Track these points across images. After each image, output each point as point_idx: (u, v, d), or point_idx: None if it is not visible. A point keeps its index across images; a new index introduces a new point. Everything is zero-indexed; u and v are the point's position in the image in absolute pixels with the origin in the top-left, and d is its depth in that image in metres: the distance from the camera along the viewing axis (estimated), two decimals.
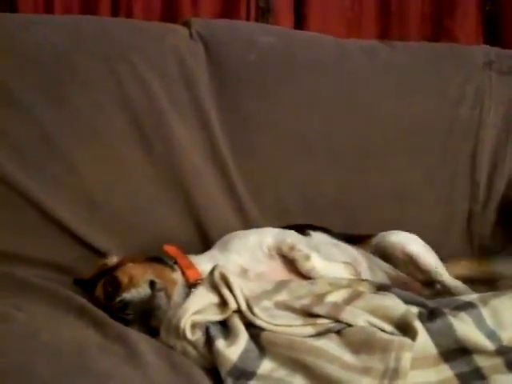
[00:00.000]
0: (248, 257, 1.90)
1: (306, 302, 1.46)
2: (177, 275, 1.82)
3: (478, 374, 1.29)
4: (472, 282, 2.05)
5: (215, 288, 1.44)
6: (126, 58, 2.25)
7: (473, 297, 1.54)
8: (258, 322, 1.37)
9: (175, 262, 1.87)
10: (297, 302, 1.47)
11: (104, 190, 2.19)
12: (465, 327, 1.34)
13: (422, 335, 1.32)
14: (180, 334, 1.36)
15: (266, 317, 1.38)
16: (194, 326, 1.37)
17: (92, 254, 2.11)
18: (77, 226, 2.12)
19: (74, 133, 2.16)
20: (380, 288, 1.63)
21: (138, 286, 1.66)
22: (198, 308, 1.39)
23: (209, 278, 1.48)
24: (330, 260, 1.89)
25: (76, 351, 1.25)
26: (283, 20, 2.91)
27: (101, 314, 1.47)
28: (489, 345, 1.31)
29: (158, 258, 1.88)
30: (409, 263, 2.11)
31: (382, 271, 2.12)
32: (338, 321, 1.38)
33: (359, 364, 1.25)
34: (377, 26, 3.12)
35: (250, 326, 1.38)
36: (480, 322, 1.38)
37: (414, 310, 1.42)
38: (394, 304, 1.44)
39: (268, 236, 1.94)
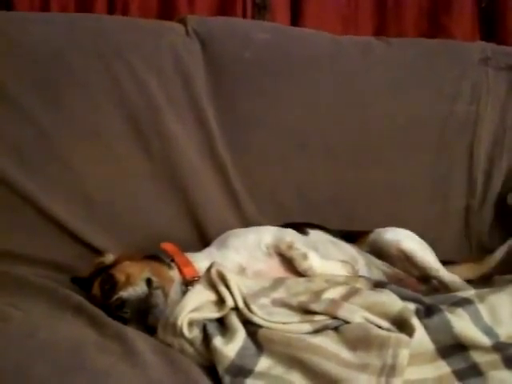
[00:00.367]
0: (246, 255, 1.90)
1: (303, 299, 1.46)
2: (174, 273, 1.82)
3: (475, 370, 1.29)
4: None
5: (212, 285, 1.45)
6: (123, 56, 2.25)
7: (470, 293, 1.54)
8: (256, 320, 1.37)
9: (172, 260, 1.87)
10: (294, 299, 1.48)
11: (101, 189, 2.19)
12: (462, 323, 1.34)
13: (419, 331, 1.32)
14: (177, 332, 1.36)
15: (264, 314, 1.38)
16: (191, 323, 1.37)
17: (89, 252, 2.11)
18: (74, 224, 2.12)
19: (71, 132, 2.16)
20: (377, 285, 1.64)
21: (134, 284, 1.66)
22: (196, 306, 1.39)
23: (206, 276, 1.48)
24: (327, 259, 1.89)
25: (73, 350, 1.25)
26: (279, 17, 2.91)
27: (98, 312, 1.47)
28: (486, 341, 1.31)
29: (155, 256, 1.88)
30: (404, 260, 2.11)
31: (378, 269, 2.12)
32: (335, 318, 1.38)
33: (356, 361, 1.26)
34: (373, 22, 3.12)
35: (248, 324, 1.38)
36: (477, 318, 1.39)
37: (411, 306, 1.42)
38: (391, 300, 1.44)
39: (266, 234, 1.94)
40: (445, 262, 2.15)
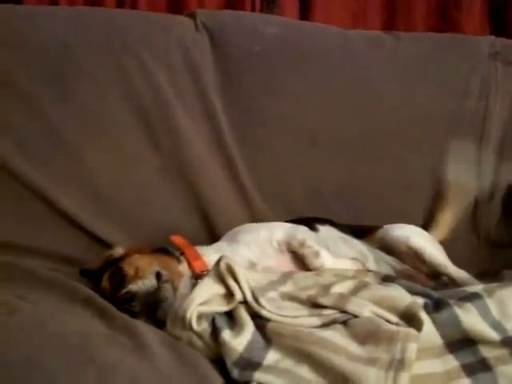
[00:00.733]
0: (257, 250, 1.90)
1: (311, 292, 1.47)
2: (183, 267, 1.82)
3: (484, 364, 1.29)
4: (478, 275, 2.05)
5: (221, 279, 1.45)
6: (131, 50, 2.25)
7: (478, 288, 1.54)
8: (264, 313, 1.37)
9: (182, 253, 1.87)
10: (302, 292, 1.48)
11: (110, 182, 2.20)
12: (470, 318, 1.34)
13: (428, 326, 1.32)
14: (186, 325, 1.36)
15: (272, 308, 1.38)
16: (200, 316, 1.38)
17: (98, 246, 2.12)
18: (83, 217, 2.13)
19: (80, 125, 2.17)
20: (385, 279, 1.64)
21: (144, 278, 1.66)
22: (204, 299, 1.40)
23: (215, 269, 1.49)
24: (338, 256, 1.89)
25: (82, 342, 1.25)
26: (288, 11, 2.90)
27: (107, 304, 1.48)
28: (494, 335, 1.31)
29: (164, 250, 1.88)
30: (413, 257, 2.10)
31: (387, 265, 2.12)
32: (343, 312, 1.38)
33: (365, 355, 1.26)
34: (382, 16, 3.11)
35: (256, 317, 1.39)
36: (485, 313, 1.38)
37: (420, 300, 1.42)
38: (400, 295, 1.44)
39: (278, 231, 1.94)
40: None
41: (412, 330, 1.28)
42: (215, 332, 1.35)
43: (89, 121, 2.18)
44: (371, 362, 1.23)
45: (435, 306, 1.39)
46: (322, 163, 2.44)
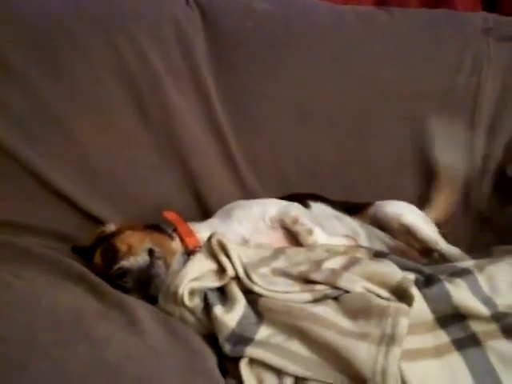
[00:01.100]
0: (250, 227, 1.91)
1: (303, 268, 1.47)
2: (176, 243, 1.83)
3: (474, 339, 1.30)
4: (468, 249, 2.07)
5: (213, 255, 1.45)
6: (124, 26, 2.24)
7: (469, 263, 1.55)
8: (256, 289, 1.38)
9: (174, 229, 1.88)
10: (294, 268, 1.48)
11: (103, 159, 2.19)
12: (461, 293, 1.35)
13: (419, 301, 1.33)
14: (178, 301, 1.37)
15: (264, 283, 1.39)
16: (192, 292, 1.39)
17: (91, 222, 2.12)
18: (76, 194, 2.13)
19: (72, 102, 2.16)
20: (377, 255, 1.64)
21: (136, 254, 1.67)
22: (196, 275, 1.40)
23: (207, 245, 1.49)
24: (331, 233, 1.90)
25: (75, 318, 1.26)
26: None
27: (99, 281, 1.48)
28: (484, 311, 1.32)
29: (157, 226, 1.89)
30: (405, 233, 2.12)
31: (380, 241, 2.13)
32: (335, 287, 1.39)
33: (356, 330, 1.26)
34: None
35: (248, 293, 1.40)
36: (476, 288, 1.39)
37: (411, 276, 1.43)
38: (391, 270, 1.45)
39: (271, 208, 1.95)
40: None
41: (403, 305, 1.29)
42: (207, 308, 1.36)
43: (81, 97, 2.17)
44: (362, 336, 1.24)
45: (426, 282, 1.40)
46: (315, 140, 2.45)
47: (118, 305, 1.35)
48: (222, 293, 1.42)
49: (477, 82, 2.58)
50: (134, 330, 1.25)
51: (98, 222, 2.11)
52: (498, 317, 1.32)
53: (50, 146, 2.13)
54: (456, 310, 1.33)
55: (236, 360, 1.27)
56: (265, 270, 1.50)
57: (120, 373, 1.13)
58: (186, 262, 1.49)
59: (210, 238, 1.50)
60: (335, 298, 1.38)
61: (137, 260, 1.65)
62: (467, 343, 1.29)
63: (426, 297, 1.34)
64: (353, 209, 2.25)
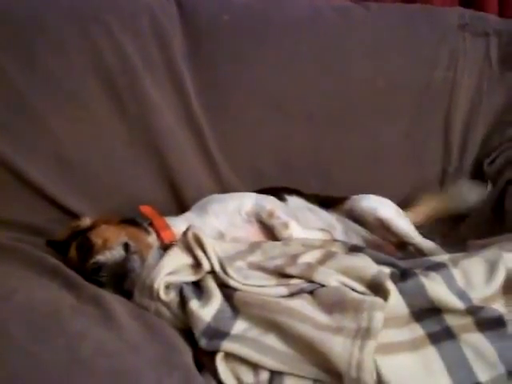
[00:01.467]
0: (226, 221, 1.91)
1: (279, 262, 1.47)
2: (151, 237, 1.82)
3: (449, 332, 1.31)
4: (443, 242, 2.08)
5: (189, 249, 1.45)
6: (99, 17, 2.22)
7: (444, 257, 1.56)
8: (232, 283, 1.38)
9: (150, 224, 1.87)
10: (270, 262, 1.48)
11: (77, 152, 2.18)
12: (436, 287, 1.35)
13: (394, 295, 1.33)
14: (154, 295, 1.36)
15: (240, 277, 1.39)
16: (167, 286, 1.38)
17: (65, 216, 2.11)
18: (50, 187, 2.11)
19: (47, 94, 2.14)
20: (352, 249, 1.64)
21: (111, 249, 1.66)
22: (172, 269, 1.40)
23: (182, 239, 1.48)
24: (307, 227, 1.90)
25: (50, 312, 1.25)
26: None
27: (74, 275, 1.47)
28: (459, 304, 1.33)
29: (133, 220, 1.88)
30: (381, 227, 2.13)
31: (356, 235, 2.14)
32: (310, 281, 1.39)
33: (332, 323, 1.27)
34: None
35: (224, 287, 1.39)
36: (451, 282, 1.40)
37: (386, 270, 1.43)
38: (367, 264, 1.45)
39: (247, 201, 1.95)
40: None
41: (378, 299, 1.30)
42: (183, 302, 1.36)
43: (55, 89, 2.15)
44: (338, 330, 1.24)
45: (401, 276, 1.41)
46: (292, 133, 2.46)
47: (93, 299, 1.34)
48: (198, 287, 1.42)
49: (453, 77, 2.61)
50: (109, 325, 1.25)
51: (72, 215, 2.10)
52: (472, 310, 1.33)
53: (24, 138, 2.11)
54: (431, 303, 1.33)
55: (212, 354, 1.27)
56: (241, 263, 1.50)
57: (95, 367, 1.12)
58: (161, 256, 1.49)
59: (185, 232, 1.50)
60: (311, 292, 1.38)
61: (112, 254, 1.64)
62: (442, 337, 1.30)
63: (401, 291, 1.35)
64: (329, 202, 2.26)
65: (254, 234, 1.90)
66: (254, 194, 2.02)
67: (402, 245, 2.12)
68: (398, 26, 2.61)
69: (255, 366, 1.25)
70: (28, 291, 1.34)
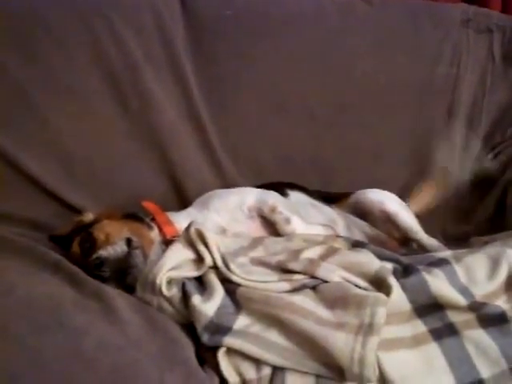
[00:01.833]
0: (227, 216, 1.90)
1: (281, 258, 1.47)
2: (154, 233, 1.82)
3: (451, 329, 1.31)
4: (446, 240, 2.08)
5: (191, 244, 1.45)
6: (102, 12, 2.22)
7: (446, 253, 1.56)
8: (234, 278, 1.37)
9: (152, 219, 1.87)
10: (272, 258, 1.48)
11: (80, 147, 2.18)
12: (438, 283, 1.35)
13: (397, 291, 1.33)
14: (156, 290, 1.36)
15: (242, 273, 1.39)
16: (170, 281, 1.38)
17: (67, 211, 2.11)
18: (52, 182, 2.11)
19: (48, 89, 2.14)
20: (355, 244, 1.64)
21: (114, 244, 1.65)
22: (174, 264, 1.40)
23: (185, 235, 1.48)
24: (308, 222, 1.90)
25: (51, 307, 1.24)
26: None
27: (76, 270, 1.46)
28: (461, 300, 1.33)
29: (135, 215, 1.88)
30: (386, 221, 2.13)
31: (359, 230, 2.13)
32: (313, 277, 1.39)
33: (334, 319, 1.27)
34: None
35: (226, 282, 1.39)
36: (453, 279, 1.40)
37: (389, 266, 1.43)
38: (369, 260, 1.45)
39: (249, 196, 1.94)
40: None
41: (381, 295, 1.29)
42: (185, 297, 1.36)
43: (57, 84, 2.14)
44: (340, 326, 1.24)
45: (404, 272, 1.41)
46: (294, 128, 2.45)
47: (95, 294, 1.34)
48: (200, 282, 1.42)
49: (456, 73, 2.60)
50: (111, 319, 1.24)
51: (74, 210, 2.10)
52: (475, 307, 1.33)
53: (25, 133, 2.10)
54: (433, 299, 1.34)
55: (214, 349, 1.27)
56: (243, 259, 1.50)
57: (97, 362, 1.12)
58: (163, 251, 1.48)
59: (188, 228, 1.49)
60: (313, 288, 1.38)
61: (115, 249, 1.63)
62: (444, 333, 1.30)
63: (403, 287, 1.35)
64: (332, 198, 2.26)
65: (255, 229, 1.90)
66: (255, 190, 2.02)
67: (404, 241, 2.12)
68: (401, 23, 2.60)
69: (257, 362, 1.25)
70: (29, 286, 1.33)
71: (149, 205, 1.93)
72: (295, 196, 2.15)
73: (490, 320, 1.31)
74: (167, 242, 1.73)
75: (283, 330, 1.27)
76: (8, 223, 1.97)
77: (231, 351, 1.27)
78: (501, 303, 1.38)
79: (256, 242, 1.63)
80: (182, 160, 2.30)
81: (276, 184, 2.15)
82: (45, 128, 2.13)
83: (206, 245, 1.43)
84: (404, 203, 2.24)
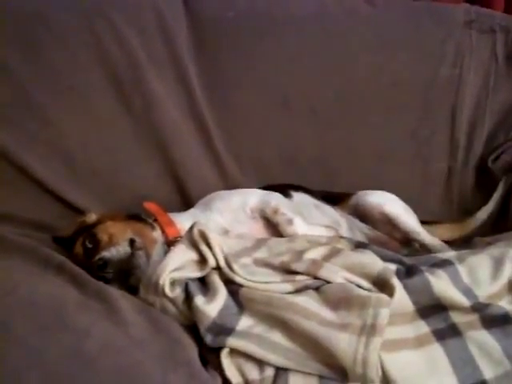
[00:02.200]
0: (230, 217, 1.91)
1: (284, 258, 1.47)
2: (157, 234, 1.82)
3: (454, 329, 1.31)
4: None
5: (194, 245, 1.45)
6: (104, 13, 2.21)
7: (450, 254, 1.56)
8: (237, 279, 1.38)
9: (155, 220, 1.87)
10: (276, 258, 1.48)
11: (82, 147, 2.18)
12: (441, 284, 1.35)
13: (400, 292, 1.33)
14: (159, 291, 1.36)
15: (245, 273, 1.39)
16: (173, 282, 1.38)
17: (70, 212, 2.11)
18: (55, 182, 2.11)
19: (51, 89, 2.14)
20: (358, 245, 1.64)
21: (117, 245, 1.66)
22: (177, 265, 1.40)
23: (188, 235, 1.48)
24: (311, 223, 1.90)
25: (54, 308, 1.24)
26: None
27: (80, 270, 1.46)
28: (465, 301, 1.33)
29: (138, 216, 1.88)
30: (387, 223, 2.12)
31: (361, 232, 2.13)
32: (316, 278, 1.39)
33: (337, 320, 1.27)
34: None
35: (229, 283, 1.39)
36: (456, 279, 1.40)
37: (392, 267, 1.43)
38: (372, 261, 1.45)
39: (252, 198, 1.94)
40: (426, 222, 2.19)
41: (384, 296, 1.29)
42: (188, 298, 1.36)
43: (60, 84, 2.14)
44: (343, 327, 1.24)
45: (407, 273, 1.41)
46: (297, 128, 2.45)
47: (98, 295, 1.34)
48: (203, 283, 1.42)
49: (459, 73, 2.59)
50: (114, 320, 1.25)
51: (77, 210, 2.10)
52: (478, 308, 1.33)
53: (27, 133, 2.10)
54: (437, 300, 1.34)
55: (217, 350, 1.27)
56: (246, 260, 1.50)
57: (100, 363, 1.13)
58: (166, 252, 1.49)
59: (191, 228, 1.49)
60: (316, 289, 1.38)
61: (118, 250, 1.64)
62: (447, 334, 1.31)
63: (406, 287, 1.35)
64: (334, 199, 2.25)
65: (258, 230, 1.90)
66: (258, 191, 2.02)
67: (406, 241, 2.12)
68: (404, 23, 2.59)
69: (260, 363, 1.25)
70: (32, 286, 1.33)
71: (151, 206, 1.93)
72: (299, 197, 2.15)
73: (494, 321, 1.32)
74: (170, 243, 1.74)
75: (286, 330, 1.27)
76: (11, 224, 1.97)
77: (234, 352, 1.27)
78: (504, 304, 1.38)
79: (259, 243, 1.63)
80: (185, 160, 2.30)
81: (279, 185, 2.16)
82: (47, 128, 2.12)
83: (209, 246, 1.43)
84: (404, 204, 2.23)
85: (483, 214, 2.34)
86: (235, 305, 1.35)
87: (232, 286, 1.38)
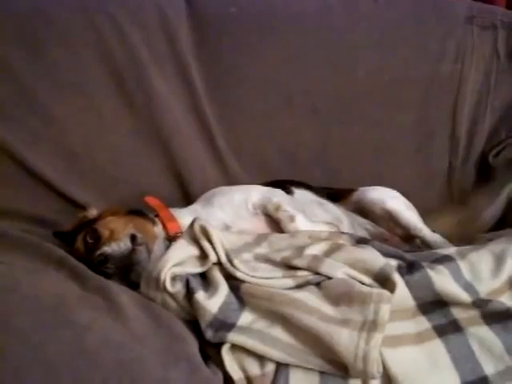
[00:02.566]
0: (231, 213, 1.90)
1: (285, 254, 1.47)
2: (158, 229, 1.82)
3: (455, 325, 1.31)
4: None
5: (195, 240, 1.45)
6: (107, 10, 2.21)
7: (451, 250, 1.55)
8: (238, 274, 1.37)
9: (156, 215, 1.87)
10: (277, 254, 1.48)
11: (84, 143, 2.18)
12: (443, 280, 1.35)
13: (401, 288, 1.33)
14: (160, 286, 1.36)
15: (246, 269, 1.38)
16: (174, 278, 1.38)
17: (72, 207, 2.12)
18: (56, 178, 2.12)
19: (52, 85, 2.14)
20: (359, 241, 1.64)
21: (118, 240, 1.66)
22: (178, 260, 1.39)
23: (189, 231, 1.48)
24: (313, 220, 1.89)
25: (56, 303, 1.24)
26: None
27: (81, 266, 1.46)
28: (466, 297, 1.33)
29: (139, 211, 1.88)
30: (388, 219, 2.13)
31: (362, 228, 2.13)
32: (317, 273, 1.39)
33: (338, 316, 1.26)
34: None
35: (230, 279, 1.39)
36: (457, 275, 1.40)
37: (393, 262, 1.43)
38: (374, 257, 1.45)
39: (253, 194, 1.94)
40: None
41: (385, 292, 1.29)
42: (189, 293, 1.36)
43: (62, 81, 2.14)
44: (344, 322, 1.24)
45: (408, 268, 1.40)
46: (298, 125, 2.45)
47: (99, 290, 1.34)
48: (204, 278, 1.42)
49: (460, 70, 2.59)
50: (115, 316, 1.25)
51: (79, 206, 2.10)
52: (479, 303, 1.33)
53: (29, 129, 2.11)
54: (438, 296, 1.34)
55: (218, 346, 1.27)
56: (247, 255, 1.50)
57: (101, 358, 1.13)
58: (167, 247, 1.48)
59: (192, 224, 1.49)
60: (317, 284, 1.38)
61: (119, 246, 1.63)
62: (448, 329, 1.31)
63: (408, 283, 1.35)
64: (336, 195, 2.25)
65: (260, 226, 1.90)
66: (260, 187, 2.02)
67: (408, 237, 2.12)
68: (406, 19, 2.58)
69: (261, 358, 1.25)
70: (34, 281, 1.33)
71: (152, 200, 1.93)
72: (300, 194, 2.15)
73: (495, 317, 1.32)
74: (171, 238, 1.74)
75: (287, 326, 1.27)
76: (12, 219, 1.98)
77: (235, 347, 1.27)
78: (505, 300, 1.38)
79: (260, 239, 1.63)
80: (187, 156, 2.31)
81: (281, 182, 2.16)
82: (49, 125, 2.13)
83: (210, 241, 1.42)
84: (406, 200, 2.23)
85: (491, 220, 2.32)
86: (236, 300, 1.35)
87: (233, 282, 1.38)
